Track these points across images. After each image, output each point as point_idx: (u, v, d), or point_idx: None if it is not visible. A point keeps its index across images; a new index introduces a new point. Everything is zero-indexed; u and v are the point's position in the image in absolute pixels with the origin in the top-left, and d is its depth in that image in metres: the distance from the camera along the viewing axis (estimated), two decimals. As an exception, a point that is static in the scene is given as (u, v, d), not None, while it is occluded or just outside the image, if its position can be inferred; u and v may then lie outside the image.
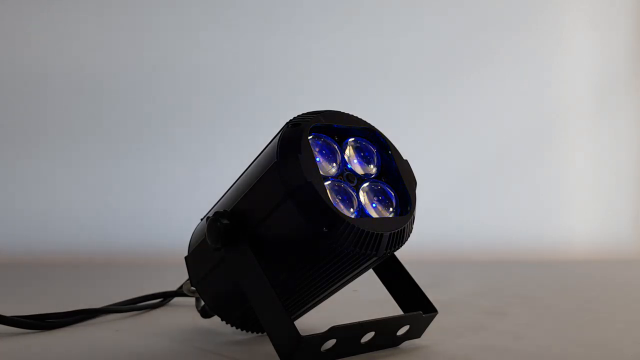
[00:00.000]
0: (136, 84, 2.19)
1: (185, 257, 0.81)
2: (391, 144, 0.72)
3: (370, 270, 0.76)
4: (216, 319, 0.84)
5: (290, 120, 0.67)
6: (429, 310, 0.75)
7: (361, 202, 0.68)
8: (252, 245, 0.66)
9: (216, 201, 0.76)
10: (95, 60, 2.19)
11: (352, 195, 0.67)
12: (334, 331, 0.64)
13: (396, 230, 0.65)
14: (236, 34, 2.22)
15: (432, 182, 2.02)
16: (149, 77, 2.19)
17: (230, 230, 0.67)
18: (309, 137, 0.65)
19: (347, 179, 0.69)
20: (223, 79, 2.20)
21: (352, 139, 0.71)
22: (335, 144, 0.69)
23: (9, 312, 0.84)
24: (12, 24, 2.18)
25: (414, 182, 0.71)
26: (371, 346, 0.71)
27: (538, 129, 2.26)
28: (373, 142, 0.72)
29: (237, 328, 0.81)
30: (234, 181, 0.74)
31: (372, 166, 0.71)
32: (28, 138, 2.17)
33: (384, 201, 0.69)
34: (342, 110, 0.70)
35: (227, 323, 0.80)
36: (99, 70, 2.18)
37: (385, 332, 0.71)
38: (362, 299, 1.09)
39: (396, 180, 0.70)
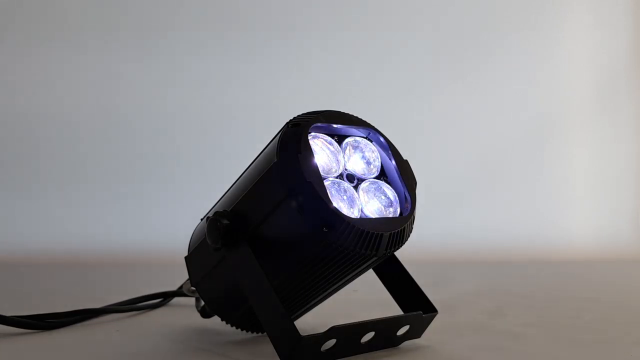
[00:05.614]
0: (136, 84, 2.20)
1: (185, 257, 0.81)
2: (391, 144, 0.72)
3: (370, 270, 0.76)
4: (216, 319, 0.84)
5: (290, 120, 0.67)
6: (429, 310, 0.75)
7: (361, 202, 0.68)
8: (252, 245, 0.66)
9: (216, 201, 0.76)
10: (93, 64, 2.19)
11: (352, 195, 0.67)
12: (334, 331, 0.64)
13: (396, 230, 0.65)
14: (236, 33, 2.22)
15: (432, 182, 2.02)
16: (148, 77, 2.19)
17: (230, 230, 0.67)
18: (309, 137, 0.65)
19: (347, 179, 0.69)
20: (223, 79, 2.20)
21: (352, 139, 0.71)
22: (335, 144, 0.69)
23: (9, 312, 0.84)
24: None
25: (414, 182, 0.71)
26: (371, 346, 0.70)
27: (538, 129, 2.26)
28: (373, 142, 0.72)
29: (237, 328, 0.81)
30: (234, 181, 0.74)
31: (372, 166, 0.71)
32: (29, 139, 2.17)
33: (384, 201, 0.69)
34: (342, 110, 0.70)
35: (227, 323, 0.80)
36: (98, 74, 2.19)
37: (385, 332, 0.71)
38: (362, 299, 1.09)
39: (396, 180, 0.71)
